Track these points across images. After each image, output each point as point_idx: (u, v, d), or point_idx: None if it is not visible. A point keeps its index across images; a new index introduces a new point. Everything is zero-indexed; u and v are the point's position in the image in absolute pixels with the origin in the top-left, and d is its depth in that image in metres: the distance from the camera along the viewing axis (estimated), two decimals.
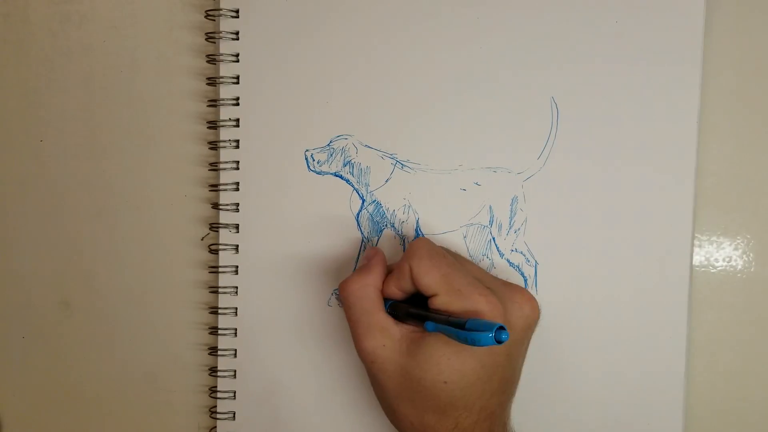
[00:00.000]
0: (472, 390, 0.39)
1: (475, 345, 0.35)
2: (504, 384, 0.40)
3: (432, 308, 0.39)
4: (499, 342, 0.34)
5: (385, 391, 0.41)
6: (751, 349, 0.48)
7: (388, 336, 0.40)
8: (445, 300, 0.39)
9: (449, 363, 0.38)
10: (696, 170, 0.45)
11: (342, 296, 0.42)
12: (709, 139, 0.47)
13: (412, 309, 0.40)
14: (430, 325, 0.38)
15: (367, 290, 0.41)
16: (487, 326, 0.35)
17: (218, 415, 0.50)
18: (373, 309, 0.41)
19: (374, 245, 0.48)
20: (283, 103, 0.48)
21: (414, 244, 0.41)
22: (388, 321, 0.40)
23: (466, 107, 0.46)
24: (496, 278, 0.43)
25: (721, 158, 0.47)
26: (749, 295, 0.48)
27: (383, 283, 0.42)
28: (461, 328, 0.36)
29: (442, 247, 0.43)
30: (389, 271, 0.42)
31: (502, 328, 0.35)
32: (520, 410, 0.48)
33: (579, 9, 0.45)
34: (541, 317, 0.44)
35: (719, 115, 0.47)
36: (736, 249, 0.48)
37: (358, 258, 0.48)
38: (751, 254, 0.48)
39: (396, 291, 0.41)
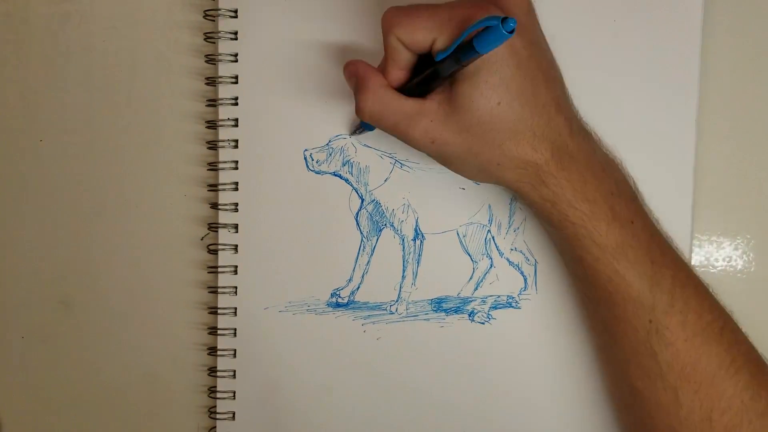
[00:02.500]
0: (524, 92, 0.38)
1: (491, 48, 0.34)
2: (548, 71, 0.40)
3: (439, 59, 0.37)
4: (512, 32, 0.33)
5: (458, 156, 0.40)
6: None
7: (427, 114, 0.39)
8: (442, 34, 0.37)
9: (488, 85, 0.37)
10: (694, 169, 0.45)
11: (368, 119, 0.40)
12: (708, 139, 0.47)
13: (419, 76, 0.39)
14: (443, 69, 0.37)
15: (381, 95, 0.39)
16: (489, 26, 0.33)
17: (218, 416, 0.50)
18: (397, 106, 0.39)
19: (373, 245, 0.48)
20: (281, 103, 0.48)
21: (384, 16, 0.39)
22: (416, 104, 0.39)
23: None
24: None
25: (721, 158, 0.47)
26: (749, 295, 0.48)
27: (384, 78, 0.40)
28: (469, 48, 0.34)
29: None
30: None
31: (504, 19, 0.32)
32: (518, 406, 0.48)
33: (577, 9, 0.45)
34: (542, 317, 0.44)
35: (718, 115, 0.47)
36: (736, 249, 0.48)
37: (357, 257, 0.48)
38: (751, 254, 0.48)
39: (399, 73, 0.40)
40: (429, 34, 0.37)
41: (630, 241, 0.39)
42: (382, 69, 0.41)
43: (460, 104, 0.38)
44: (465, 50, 0.35)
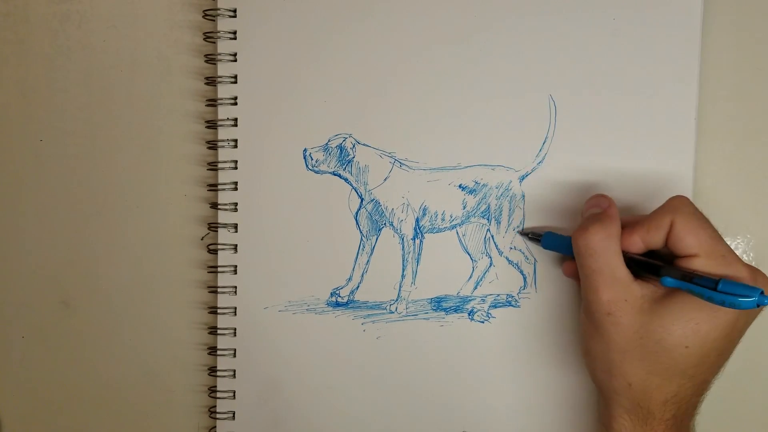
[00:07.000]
0: (707, 359, 0.38)
1: (732, 307, 0.35)
2: (726, 359, 0.40)
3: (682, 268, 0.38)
4: (760, 306, 0.34)
5: (610, 345, 0.39)
6: (751, 349, 0.48)
7: (629, 292, 0.38)
8: (705, 263, 0.37)
9: (696, 328, 0.37)
10: (694, 169, 0.45)
11: (581, 246, 0.39)
12: (708, 139, 0.47)
13: (647, 258, 0.39)
14: (668, 280, 0.37)
15: (611, 242, 0.39)
16: (744, 290, 0.34)
17: (218, 415, 0.50)
18: (616, 263, 0.39)
19: (372, 245, 0.48)
20: (281, 102, 0.48)
21: (677, 200, 0.39)
22: (629, 276, 0.39)
23: (465, 105, 0.47)
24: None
25: (721, 158, 0.47)
26: None
27: (624, 232, 0.40)
28: (712, 288, 0.35)
29: None
30: (625, 222, 0.41)
31: (763, 293, 0.34)
32: (518, 405, 0.48)
33: (577, 7, 0.45)
34: (542, 316, 0.44)
35: (718, 114, 0.47)
36: (736, 249, 0.48)
37: (356, 257, 0.48)
38: (751, 254, 0.48)
39: (639, 244, 0.39)
40: (698, 249, 0.38)
41: None
42: (626, 223, 0.40)
43: (658, 314, 0.38)
44: (706, 281, 0.36)
